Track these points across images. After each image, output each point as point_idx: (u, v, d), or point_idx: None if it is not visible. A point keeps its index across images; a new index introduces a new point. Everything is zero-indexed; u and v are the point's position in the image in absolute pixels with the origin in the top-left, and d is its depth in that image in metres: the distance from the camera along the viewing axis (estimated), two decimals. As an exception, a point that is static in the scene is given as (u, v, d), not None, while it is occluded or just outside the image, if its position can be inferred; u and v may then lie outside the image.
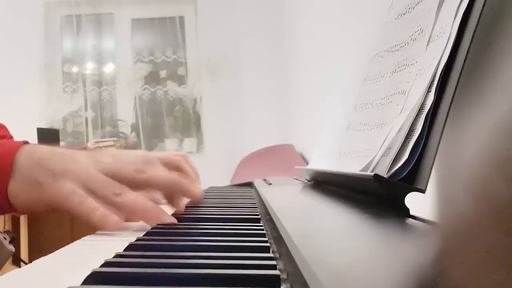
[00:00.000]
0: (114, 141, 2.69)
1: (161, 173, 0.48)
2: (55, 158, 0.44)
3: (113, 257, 0.28)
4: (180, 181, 0.49)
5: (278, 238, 0.30)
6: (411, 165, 0.33)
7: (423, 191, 0.30)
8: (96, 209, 0.43)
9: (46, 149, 0.46)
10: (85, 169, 0.44)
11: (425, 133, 0.32)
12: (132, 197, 0.44)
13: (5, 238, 0.73)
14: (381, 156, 0.38)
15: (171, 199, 0.52)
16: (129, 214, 0.45)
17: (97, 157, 0.46)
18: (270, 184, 0.83)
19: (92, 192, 0.44)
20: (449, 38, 0.33)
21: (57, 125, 2.74)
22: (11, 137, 0.82)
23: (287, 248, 0.24)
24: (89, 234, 0.41)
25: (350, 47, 1.04)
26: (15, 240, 0.78)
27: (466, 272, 0.12)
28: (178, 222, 0.44)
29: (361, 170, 0.41)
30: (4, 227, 1.88)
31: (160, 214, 0.44)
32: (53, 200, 0.43)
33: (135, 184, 0.46)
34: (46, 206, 0.45)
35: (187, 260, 0.27)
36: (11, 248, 0.74)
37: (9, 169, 0.44)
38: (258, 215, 0.48)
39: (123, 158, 0.47)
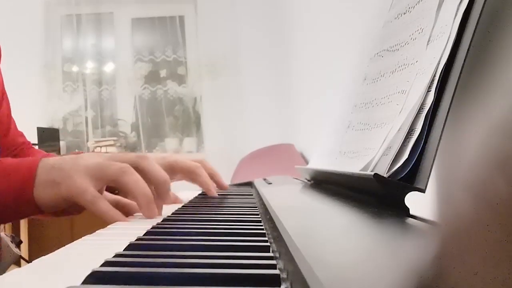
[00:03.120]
0: (114, 140, 2.69)
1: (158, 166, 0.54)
2: (65, 160, 0.52)
3: (113, 257, 0.28)
4: (165, 181, 0.54)
5: (278, 238, 0.30)
6: (411, 165, 0.33)
7: (423, 191, 0.30)
8: (107, 211, 0.49)
9: (56, 157, 0.54)
10: (92, 161, 0.51)
11: (425, 133, 0.32)
12: (135, 178, 0.50)
13: (12, 242, 0.73)
14: (381, 155, 0.38)
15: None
16: (130, 194, 0.51)
17: (102, 154, 0.54)
18: (270, 183, 0.83)
19: (99, 177, 0.50)
20: (449, 37, 0.33)
21: (57, 124, 2.74)
22: (29, 143, 0.85)
23: (287, 247, 0.24)
24: (89, 234, 0.41)
25: (350, 47, 1.04)
26: (21, 244, 0.79)
27: (466, 272, 0.12)
28: (178, 222, 0.45)
29: (361, 170, 0.41)
30: (5, 228, 1.88)
31: (152, 203, 0.50)
32: (69, 194, 0.50)
33: (140, 171, 0.52)
34: (66, 201, 0.51)
35: (187, 259, 0.27)
36: (18, 251, 0.74)
37: (33, 180, 0.51)
38: (258, 214, 0.48)
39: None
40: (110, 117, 2.87)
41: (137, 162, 0.52)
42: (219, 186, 0.76)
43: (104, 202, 0.50)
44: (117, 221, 0.49)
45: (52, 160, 0.53)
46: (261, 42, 2.66)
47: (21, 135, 0.86)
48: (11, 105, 0.82)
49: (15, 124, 0.84)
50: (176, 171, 0.66)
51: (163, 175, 0.54)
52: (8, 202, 0.51)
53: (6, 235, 0.76)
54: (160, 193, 0.54)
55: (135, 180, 0.50)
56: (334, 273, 0.18)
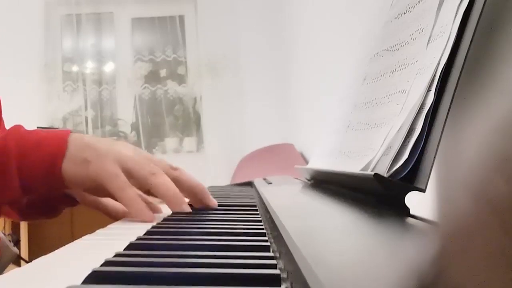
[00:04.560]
0: (114, 140, 2.68)
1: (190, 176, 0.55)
2: (101, 142, 0.52)
3: (113, 257, 0.28)
4: (204, 187, 0.55)
5: (278, 237, 0.30)
6: (411, 165, 0.33)
7: (423, 191, 0.30)
8: (133, 200, 0.49)
9: (92, 136, 0.54)
10: (126, 152, 0.51)
11: (425, 133, 0.32)
12: (165, 180, 0.50)
13: (10, 241, 0.73)
14: (381, 155, 0.38)
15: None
16: (158, 196, 0.51)
17: (136, 148, 0.54)
18: (270, 183, 0.83)
19: (130, 172, 0.50)
20: (449, 37, 0.33)
21: (57, 124, 2.74)
22: None
23: (287, 247, 0.24)
24: (89, 234, 0.41)
25: (350, 47, 1.04)
26: (19, 243, 0.79)
27: (466, 272, 0.12)
28: (178, 222, 0.45)
29: (361, 170, 0.41)
30: (4, 227, 1.88)
31: (183, 203, 0.51)
32: (97, 176, 0.50)
33: (172, 178, 0.52)
34: (92, 182, 0.51)
35: (187, 259, 0.27)
36: (16, 250, 0.74)
37: (64, 151, 0.51)
38: (258, 214, 0.48)
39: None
40: (110, 117, 2.86)
41: (169, 172, 0.52)
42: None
43: (134, 190, 0.50)
44: (141, 214, 0.49)
45: (87, 137, 0.53)
46: (261, 42, 2.66)
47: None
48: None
49: (3, 124, 0.83)
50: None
51: (198, 183, 0.54)
52: (38, 174, 0.51)
53: (4, 234, 0.76)
54: (202, 200, 0.55)
55: (163, 183, 0.50)
56: (335, 273, 0.18)
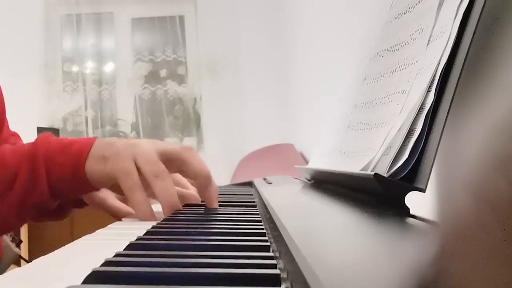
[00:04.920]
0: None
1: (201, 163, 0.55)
2: (122, 141, 0.54)
3: (113, 256, 0.28)
4: (208, 177, 0.55)
5: (278, 237, 0.30)
6: (411, 165, 0.33)
7: (423, 191, 0.30)
8: (141, 204, 0.51)
9: (115, 138, 0.56)
10: (141, 149, 0.52)
11: (425, 133, 0.32)
12: (165, 185, 0.51)
13: (12, 242, 0.74)
14: (381, 155, 0.38)
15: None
16: (157, 199, 0.52)
17: (155, 142, 0.55)
18: (270, 183, 0.83)
19: (139, 170, 0.51)
20: (449, 37, 0.33)
21: (57, 124, 2.74)
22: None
23: (287, 247, 0.24)
24: (89, 234, 0.41)
25: (350, 47, 1.04)
26: (21, 243, 0.79)
27: (467, 272, 0.12)
28: (178, 221, 0.45)
29: (361, 170, 0.41)
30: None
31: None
32: (113, 173, 0.52)
33: (180, 162, 0.53)
34: (110, 179, 0.52)
35: (187, 259, 0.27)
36: (17, 251, 0.75)
37: (87, 152, 0.53)
38: (258, 214, 0.48)
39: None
40: (110, 117, 2.86)
41: (178, 153, 0.53)
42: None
43: (142, 193, 0.51)
44: (146, 217, 0.51)
45: (110, 138, 0.56)
46: (261, 42, 2.66)
47: (14, 134, 0.85)
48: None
49: (8, 123, 0.84)
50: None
51: (205, 170, 0.54)
52: (65, 176, 0.53)
53: (6, 235, 0.76)
54: (200, 189, 0.55)
55: (163, 188, 0.51)
56: (335, 273, 0.18)
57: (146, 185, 0.52)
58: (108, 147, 0.53)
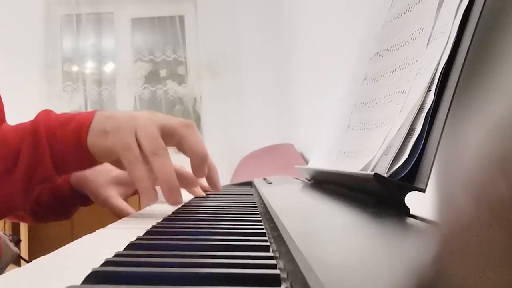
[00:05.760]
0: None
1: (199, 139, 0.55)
2: (121, 113, 0.53)
3: (113, 256, 0.28)
4: (204, 157, 0.54)
5: (278, 237, 0.30)
6: (411, 165, 0.33)
7: (423, 191, 0.30)
8: (141, 178, 0.50)
9: (115, 110, 0.57)
10: (144, 123, 0.52)
11: (425, 133, 0.32)
12: (163, 163, 0.50)
13: (10, 241, 0.74)
14: (381, 155, 0.38)
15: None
16: (157, 178, 0.51)
17: (155, 114, 0.54)
18: (270, 183, 0.83)
19: (139, 145, 0.51)
20: (449, 37, 0.33)
21: (57, 124, 2.74)
22: None
23: (287, 247, 0.24)
24: (89, 233, 0.41)
25: (350, 46, 1.04)
26: (20, 243, 0.79)
27: (467, 272, 0.12)
28: (178, 221, 0.45)
29: (361, 170, 0.41)
30: (4, 227, 1.88)
31: (175, 191, 0.51)
32: (114, 147, 0.51)
33: (179, 137, 0.53)
34: (111, 153, 0.52)
35: (187, 259, 0.27)
36: (16, 250, 0.74)
37: (88, 125, 0.53)
38: (258, 214, 0.48)
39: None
40: (110, 117, 2.86)
41: (177, 129, 0.53)
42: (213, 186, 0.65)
43: (143, 168, 0.50)
44: (147, 192, 0.50)
45: (110, 111, 0.56)
46: (261, 42, 2.66)
47: None
48: (10, 104, 0.82)
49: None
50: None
51: (202, 148, 0.54)
52: (67, 149, 0.53)
53: (5, 234, 0.76)
54: (194, 167, 0.54)
55: (161, 166, 0.50)
56: (334, 273, 0.18)
57: (147, 160, 0.52)
58: (109, 121, 0.53)
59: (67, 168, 0.55)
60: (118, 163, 0.55)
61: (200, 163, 0.54)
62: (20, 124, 0.57)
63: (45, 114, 0.56)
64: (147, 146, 0.51)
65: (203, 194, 0.70)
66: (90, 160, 0.54)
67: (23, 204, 0.58)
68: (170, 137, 0.53)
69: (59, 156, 0.53)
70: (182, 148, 0.54)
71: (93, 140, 0.53)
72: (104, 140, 0.52)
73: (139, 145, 0.51)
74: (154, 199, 0.51)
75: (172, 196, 0.51)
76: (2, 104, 0.76)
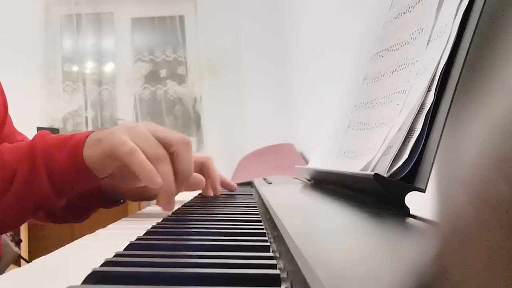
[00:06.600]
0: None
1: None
2: (114, 127, 0.54)
3: (113, 257, 0.28)
4: (188, 179, 0.55)
5: (278, 237, 0.30)
6: (411, 165, 0.33)
7: (423, 191, 0.30)
8: (142, 164, 0.50)
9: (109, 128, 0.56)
10: (141, 131, 0.52)
11: (425, 133, 0.32)
12: (166, 171, 0.51)
13: (11, 241, 0.74)
14: (381, 155, 0.38)
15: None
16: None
17: (153, 125, 0.55)
18: (270, 183, 0.83)
19: (140, 147, 0.50)
20: (449, 37, 0.33)
21: (57, 124, 2.74)
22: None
23: (287, 247, 0.24)
24: (89, 233, 0.41)
25: (350, 46, 1.04)
26: (21, 243, 0.79)
27: (467, 272, 0.12)
28: (178, 221, 0.45)
29: (361, 170, 0.41)
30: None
31: (172, 199, 0.52)
32: (109, 148, 0.51)
33: (173, 153, 0.53)
34: (109, 158, 0.52)
35: (187, 259, 0.27)
36: (17, 250, 0.75)
37: (83, 142, 0.53)
38: (258, 214, 0.48)
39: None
40: (110, 117, 2.86)
41: (173, 145, 0.53)
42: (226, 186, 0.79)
43: (141, 155, 0.50)
44: (150, 176, 0.49)
45: (103, 129, 0.56)
46: (261, 42, 2.66)
47: (20, 133, 0.85)
48: (10, 104, 0.81)
49: (11, 120, 0.84)
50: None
51: (188, 171, 0.54)
52: (65, 169, 0.53)
53: (6, 234, 0.76)
54: (177, 184, 0.54)
55: (165, 174, 0.51)
56: (335, 273, 0.18)
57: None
58: (103, 131, 0.54)
59: (66, 187, 0.55)
60: (118, 172, 0.56)
61: (183, 182, 0.54)
62: (18, 144, 0.57)
63: (42, 136, 0.56)
64: (151, 152, 0.51)
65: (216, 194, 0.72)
66: (89, 176, 0.54)
67: (16, 225, 0.59)
68: (165, 149, 0.53)
69: (57, 177, 0.53)
70: (172, 162, 0.54)
71: (88, 151, 0.53)
72: (99, 147, 0.52)
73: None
74: (158, 184, 0.50)
75: (169, 203, 0.52)
76: (6, 99, 0.77)
